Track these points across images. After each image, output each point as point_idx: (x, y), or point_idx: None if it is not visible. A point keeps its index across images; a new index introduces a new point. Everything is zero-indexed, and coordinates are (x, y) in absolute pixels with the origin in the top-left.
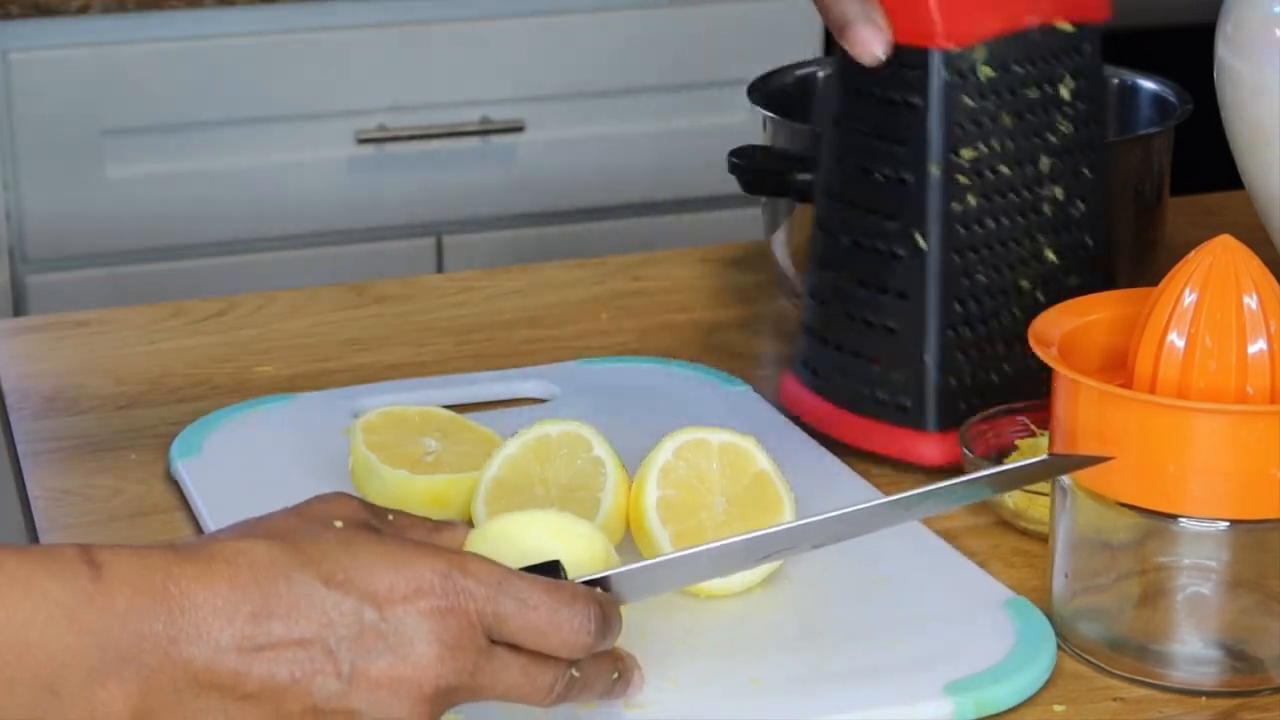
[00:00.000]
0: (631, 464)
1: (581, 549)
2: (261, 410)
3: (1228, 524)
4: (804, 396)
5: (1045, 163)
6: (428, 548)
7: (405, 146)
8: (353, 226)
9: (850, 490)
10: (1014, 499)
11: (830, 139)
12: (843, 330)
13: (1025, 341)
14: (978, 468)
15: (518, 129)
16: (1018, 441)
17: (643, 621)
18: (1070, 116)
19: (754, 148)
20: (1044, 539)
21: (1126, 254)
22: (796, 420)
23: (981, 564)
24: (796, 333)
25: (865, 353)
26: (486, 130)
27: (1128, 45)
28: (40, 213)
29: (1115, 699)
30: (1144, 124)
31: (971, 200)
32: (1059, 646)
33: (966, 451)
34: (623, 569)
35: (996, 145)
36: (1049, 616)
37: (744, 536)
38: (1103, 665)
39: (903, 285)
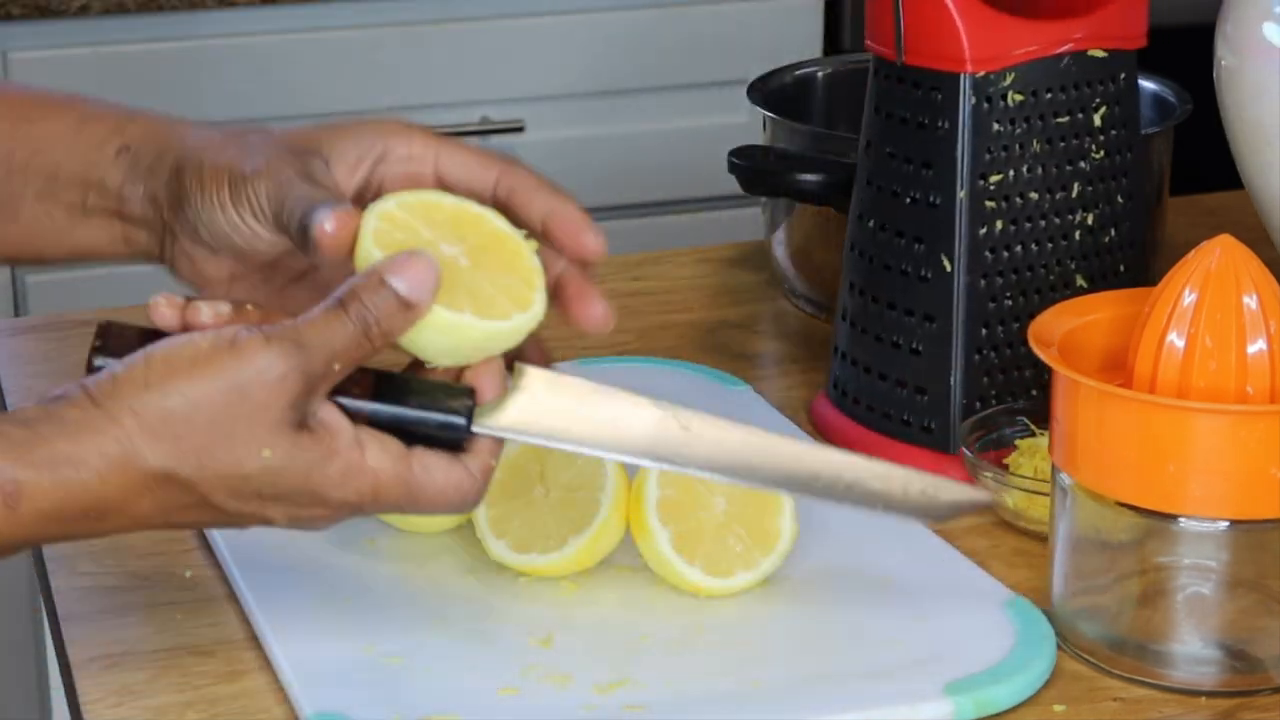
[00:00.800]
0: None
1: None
2: None
3: (1228, 524)
4: (833, 418)
5: (1076, 189)
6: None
7: None
8: None
9: None
10: (1014, 499)
11: (861, 162)
12: (871, 352)
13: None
14: (978, 468)
15: (518, 129)
16: (1018, 441)
17: (642, 621)
18: (1103, 143)
19: (754, 148)
20: (1044, 539)
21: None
22: (796, 420)
23: (981, 564)
24: (797, 332)
25: (892, 375)
26: (486, 130)
27: None
28: None
29: (1115, 699)
30: (1144, 124)
31: (999, 225)
32: (1059, 646)
33: (966, 451)
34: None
35: (1025, 171)
36: (1049, 616)
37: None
38: (1103, 665)
39: (930, 308)
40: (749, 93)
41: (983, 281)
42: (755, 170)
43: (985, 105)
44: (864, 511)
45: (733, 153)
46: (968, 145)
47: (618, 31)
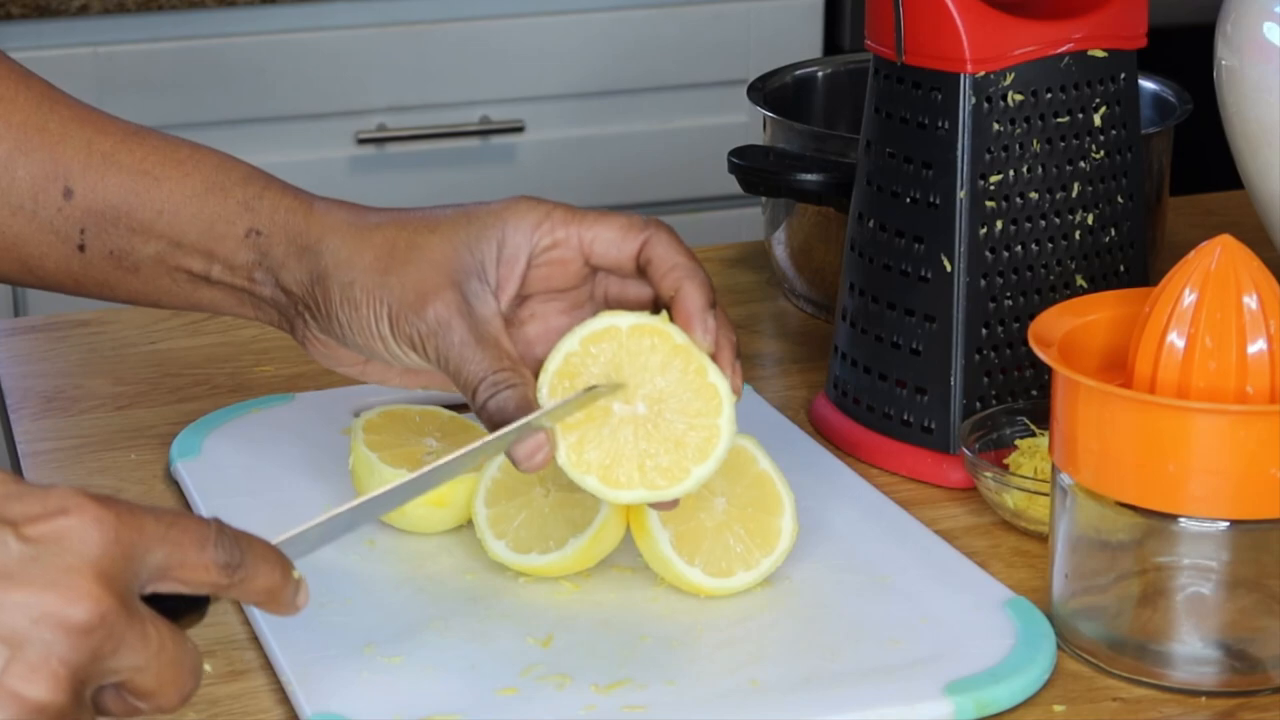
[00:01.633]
0: None
1: None
2: (261, 410)
3: (1228, 524)
4: (833, 418)
5: (1076, 189)
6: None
7: (405, 146)
8: None
9: (851, 490)
10: (1014, 499)
11: (861, 162)
12: (871, 352)
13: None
14: (978, 467)
15: (518, 129)
16: (1018, 441)
17: (642, 621)
18: (1103, 143)
19: (754, 148)
20: (1044, 539)
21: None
22: (796, 420)
23: (981, 564)
24: (797, 332)
25: (892, 375)
26: (486, 130)
27: None
28: None
29: (1115, 699)
30: (1144, 124)
31: (999, 225)
32: (1059, 646)
33: (966, 451)
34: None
35: (1025, 171)
36: (1049, 616)
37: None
38: (1103, 665)
39: (930, 308)
40: (749, 93)
41: (983, 281)
42: (755, 170)
43: (985, 105)
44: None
45: (733, 153)
46: (968, 145)
47: (618, 31)
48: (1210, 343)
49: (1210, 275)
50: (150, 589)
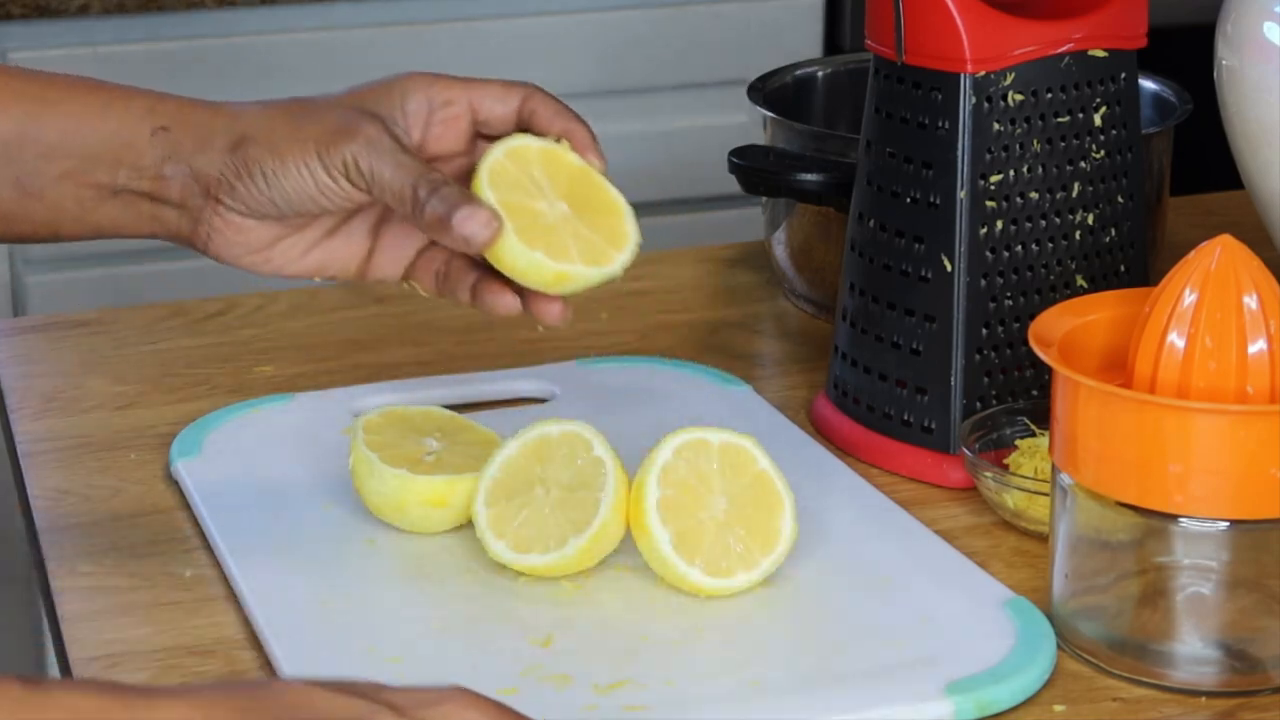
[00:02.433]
0: (631, 464)
1: None
2: (261, 410)
3: (1228, 524)
4: (833, 418)
5: (1076, 189)
6: None
7: None
8: None
9: (850, 490)
10: (1014, 499)
11: (861, 162)
12: (871, 352)
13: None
14: (978, 467)
15: None
16: (1018, 441)
17: (642, 622)
18: (1103, 143)
19: (754, 148)
20: (1044, 539)
21: None
22: (796, 420)
23: (981, 564)
24: (797, 332)
25: (892, 375)
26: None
27: None
28: None
29: (1115, 699)
30: (1144, 124)
31: (999, 225)
32: (1059, 646)
33: (966, 451)
34: None
35: (1025, 170)
36: (1049, 616)
37: None
38: (1103, 665)
39: (930, 308)
40: (749, 93)
41: (983, 281)
42: (755, 170)
43: (985, 105)
44: None
45: (733, 153)
46: (968, 145)
47: (618, 31)
48: (1210, 343)
49: (1210, 275)
50: None
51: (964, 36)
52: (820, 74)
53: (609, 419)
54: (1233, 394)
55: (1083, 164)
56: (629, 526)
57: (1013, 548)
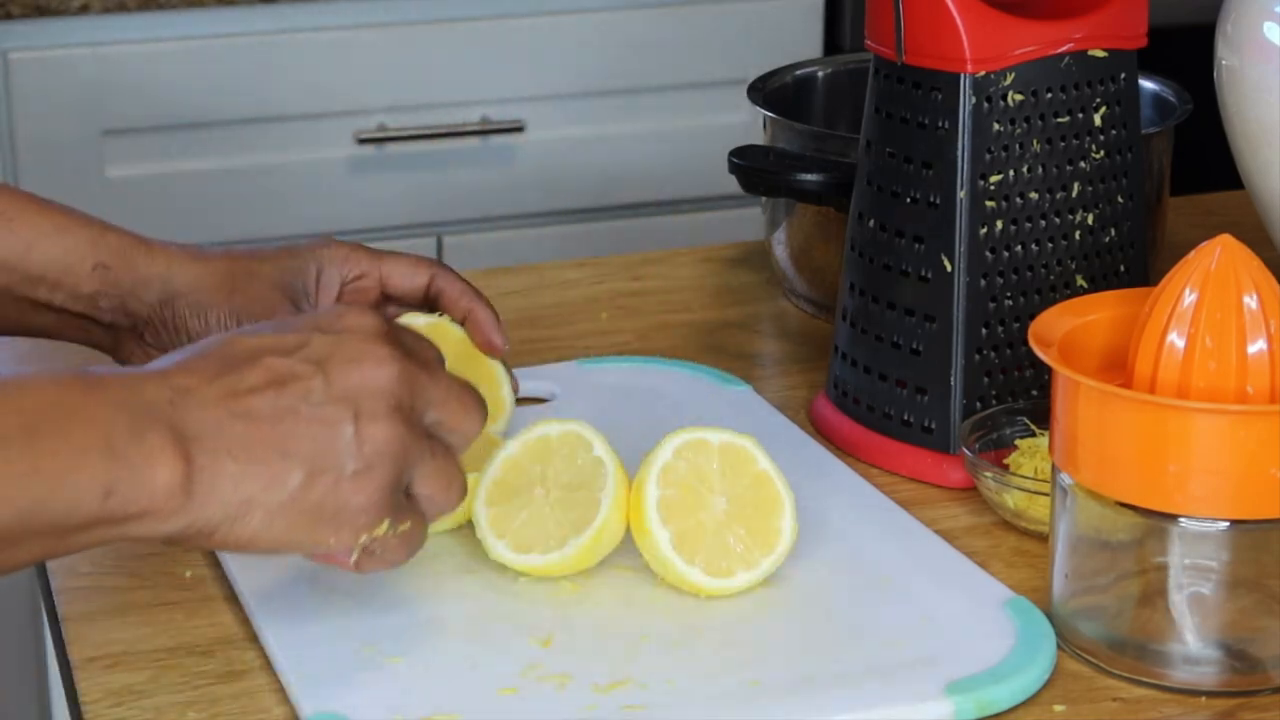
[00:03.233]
0: (631, 464)
1: None
2: None
3: (1228, 524)
4: (833, 418)
5: (1076, 189)
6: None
7: (405, 146)
8: (353, 227)
9: (850, 490)
10: (1014, 499)
11: (861, 162)
12: (871, 352)
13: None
14: (978, 467)
15: (518, 129)
16: (1018, 441)
17: (642, 621)
18: (1103, 143)
19: (754, 148)
20: (1044, 539)
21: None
22: (796, 420)
23: (981, 564)
24: (797, 332)
25: (892, 375)
26: (486, 130)
27: None
28: None
29: (1115, 699)
30: (1144, 124)
31: (999, 225)
32: (1059, 646)
33: (966, 451)
34: None
35: (1025, 170)
36: (1049, 616)
37: None
38: (1103, 665)
39: (930, 308)
40: (749, 93)
41: (983, 281)
42: (755, 170)
43: (985, 105)
44: None
45: (733, 153)
46: (968, 145)
47: (618, 31)
48: (1210, 343)
49: (1210, 275)
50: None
51: (964, 36)
52: (820, 74)
53: (609, 419)
54: (1233, 394)
55: (1083, 164)
56: (629, 526)
57: (1013, 548)
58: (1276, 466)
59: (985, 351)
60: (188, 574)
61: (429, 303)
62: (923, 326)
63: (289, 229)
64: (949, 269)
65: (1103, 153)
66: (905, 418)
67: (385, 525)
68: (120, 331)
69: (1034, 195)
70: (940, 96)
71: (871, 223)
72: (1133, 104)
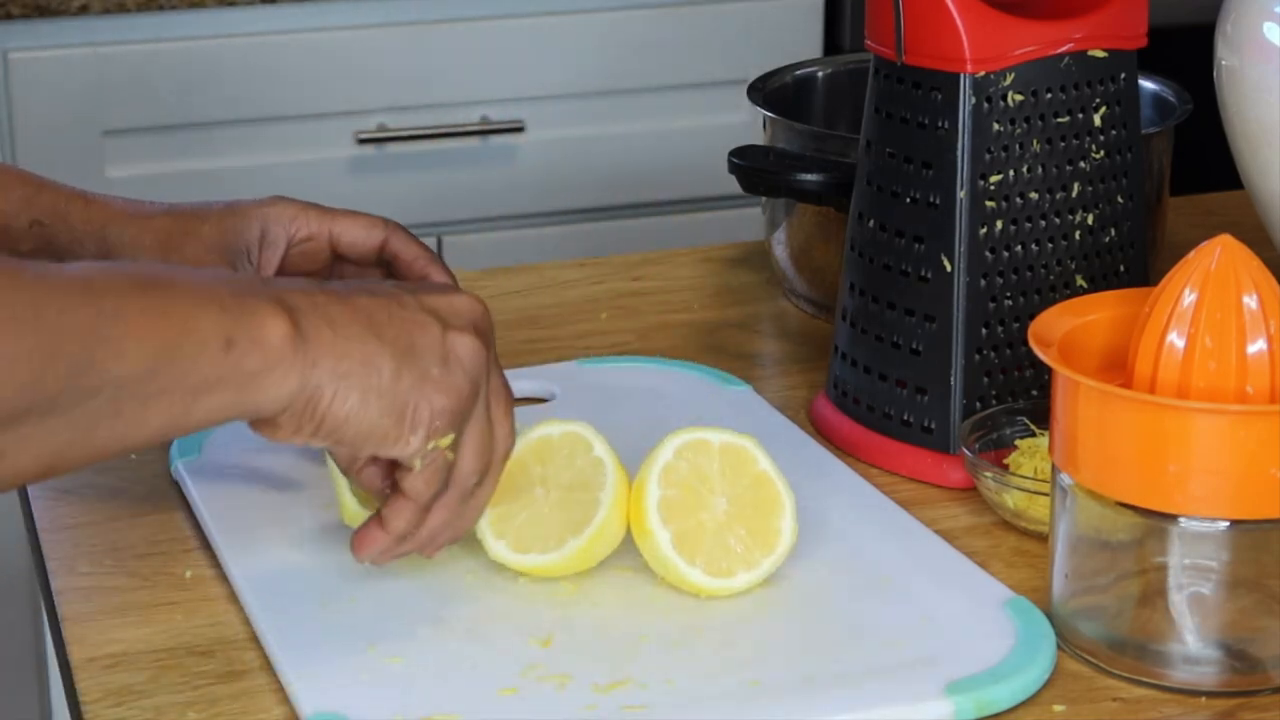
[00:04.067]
0: (631, 464)
1: None
2: None
3: (1228, 524)
4: (833, 418)
5: (1076, 189)
6: None
7: (405, 146)
8: None
9: (850, 490)
10: (1014, 499)
11: (861, 162)
12: (871, 352)
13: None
14: (978, 467)
15: (518, 129)
16: (1018, 441)
17: (642, 621)
18: (1103, 143)
19: (754, 148)
20: (1044, 539)
21: None
22: (796, 420)
23: (981, 564)
24: (797, 332)
25: (892, 375)
26: (486, 130)
27: None
28: None
29: (1115, 699)
30: (1144, 124)
31: (999, 225)
32: (1059, 646)
33: (966, 451)
34: None
35: (1025, 171)
36: (1049, 616)
37: None
38: (1103, 665)
39: (930, 308)
40: (749, 93)
41: (983, 281)
42: (755, 170)
43: (985, 105)
44: None
45: (733, 153)
46: (968, 145)
47: (618, 31)
48: (1210, 343)
49: (1210, 275)
50: None
51: (964, 36)
52: (820, 74)
53: (609, 419)
54: (1233, 394)
55: (1082, 164)
56: (629, 526)
57: (1013, 548)
58: (1276, 466)
59: (985, 351)
60: (188, 574)
61: (383, 264)
62: (923, 326)
63: None
64: (949, 269)
65: (1103, 153)
66: (905, 418)
67: (449, 439)
68: None
69: (1034, 195)
70: (940, 96)
71: (871, 223)
72: (1133, 104)
